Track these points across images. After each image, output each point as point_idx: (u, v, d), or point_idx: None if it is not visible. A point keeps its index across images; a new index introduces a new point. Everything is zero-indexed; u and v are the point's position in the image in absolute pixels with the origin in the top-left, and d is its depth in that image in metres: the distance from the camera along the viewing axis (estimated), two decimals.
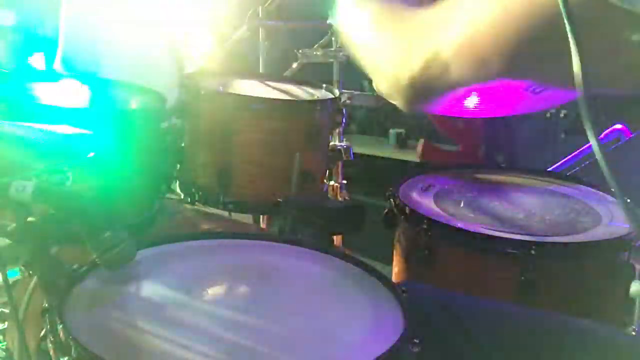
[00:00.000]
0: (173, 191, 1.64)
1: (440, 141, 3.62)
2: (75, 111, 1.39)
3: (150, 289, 1.04)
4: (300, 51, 2.10)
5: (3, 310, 1.47)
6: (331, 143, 1.76)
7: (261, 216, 2.17)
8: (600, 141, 0.58)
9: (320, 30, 2.12)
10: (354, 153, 1.86)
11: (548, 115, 3.33)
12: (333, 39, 2.03)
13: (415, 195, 1.59)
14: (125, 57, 2.14)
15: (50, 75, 1.66)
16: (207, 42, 2.47)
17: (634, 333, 1.38)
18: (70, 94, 1.56)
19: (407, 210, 1.48)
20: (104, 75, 2.06)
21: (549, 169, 1.94)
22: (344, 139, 1.92)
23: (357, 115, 4.50)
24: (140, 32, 2.17)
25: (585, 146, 2.31)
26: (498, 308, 1.21)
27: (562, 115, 3.34)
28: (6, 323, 1.51)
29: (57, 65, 2.14)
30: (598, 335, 1.14)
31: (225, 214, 1.72)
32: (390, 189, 1.58)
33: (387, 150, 3.97)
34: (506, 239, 1.35)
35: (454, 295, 1.27)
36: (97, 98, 1.59)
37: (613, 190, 0.59)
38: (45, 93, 1.51)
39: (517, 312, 1.21)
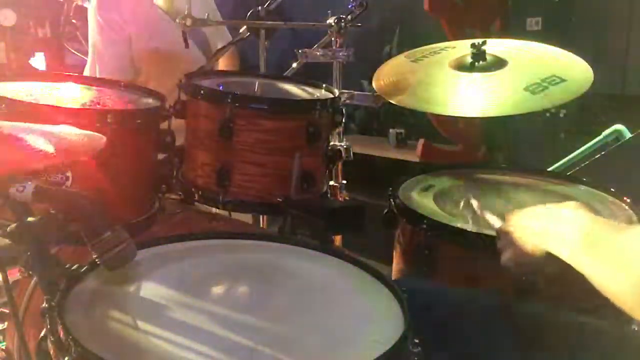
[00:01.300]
0: (173, 191, 1.63)
1: (440, 141, 3.62)
2: (75, 112, 1.39)
3: (150, 289, 1.04)
4: (300, 51, 2.09)
5: (3, 310, 1.47)
6: (331, 143, 1.76)
7: (261, 216, 2.17)
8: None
9: (320, 30, 2.11)
10: (354, 153, 1.86)
11: (548, 115, 3.34)
12: (333, 39, 2.03)
13: (415, 195, 1.59)
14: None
15: (50, 76, 1.66)
16: (225, 36, 2.48)
17: (636, 328, 1.38)
18: (70, 94, 1.56)
19: (407, 211, 1.48)
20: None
21: (549, 169, 1.93)
22: (344, 139, 1.92)
23: (357, 115, 4.50)
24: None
25: (585, 146, 2.31)
26: (498, 304, 1.21)
27: (562, 115, 3.34)
28: (6, 323, 1.50)
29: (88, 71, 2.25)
30: (599, 331, 1.14)
31: (225, 214, 1.72)
32: (390, 189, 1.58)
33: (387, 150, 3.97)
34: None
35: (454, 291, 1.27)
36: (98, 98, 1.59)
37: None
38: (46, 93, 1.50)
39: (517, 308, 1.21)
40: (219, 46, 2.32)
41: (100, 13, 2.24)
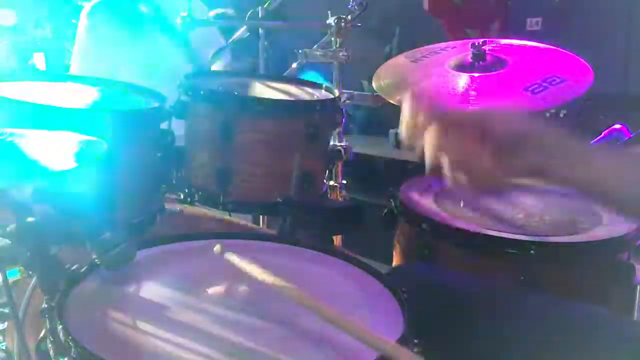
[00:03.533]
0: (173, 191, 1.63)
1: None
2: (76, 112, 1.39)
3: (150, 289, 1.04)
4: (300, 51, 2.10)
5: (3, 310, 1.47)
6: (331, 143, 1.76)
7: (261, 216, 2.17)
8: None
9: (320, 30, 2.11)
10: (354, 153, 1.87)
11: (548, 115, 3.33)
12: (333, 39, 2.03)
13: (415, 195, 1.59)
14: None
15: (50, 76, 1.66)
16: (216, 41, 2.49)
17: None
18: (71, 94, 1.56)
19: (407, 211, 1.48)
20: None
21: None
22: (344, 139, 1.92)
23: (357, 115, 4.50)
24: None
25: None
26: (499, 293, 1.21)
27: (562, 115, 3.34)
28: (6, 323, 1.50)
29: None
30: (599, 319, 1.14)
31: (225, 214, 1.72)
32: (390, 189, 1.58)
33: (387, 150, 3.97)
34: (506, 239, 1.35)
35: (455, 279, 1.27)
36: (98, 98, 1.59)
37: None
38: (46, 93, 1.50)
39: (518, 297, 1.21)
40: (210, 51, 2.34)
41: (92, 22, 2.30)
